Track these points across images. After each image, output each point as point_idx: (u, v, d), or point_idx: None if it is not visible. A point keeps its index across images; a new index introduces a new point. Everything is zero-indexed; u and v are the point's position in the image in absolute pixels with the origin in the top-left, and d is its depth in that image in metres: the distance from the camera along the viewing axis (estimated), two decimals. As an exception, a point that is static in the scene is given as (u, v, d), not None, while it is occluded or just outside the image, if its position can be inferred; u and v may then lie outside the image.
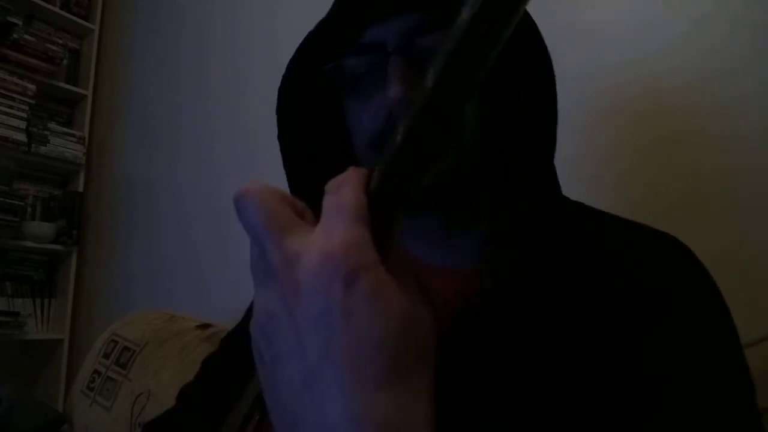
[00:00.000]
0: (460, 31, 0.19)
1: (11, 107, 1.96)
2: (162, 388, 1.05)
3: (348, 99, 0.48)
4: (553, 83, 0.47)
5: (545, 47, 0.47)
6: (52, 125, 2.09)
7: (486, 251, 0.46)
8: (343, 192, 0.24)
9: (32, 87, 2.01)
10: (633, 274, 0.41)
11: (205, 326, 1.15)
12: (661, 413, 0.36)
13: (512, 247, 0.45)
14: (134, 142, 2.06)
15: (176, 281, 1.75)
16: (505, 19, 0.19)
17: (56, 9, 2.15)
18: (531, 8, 0.45)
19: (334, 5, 0.48)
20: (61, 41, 2.13)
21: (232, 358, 0.66)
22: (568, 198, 0.50)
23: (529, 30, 0.47)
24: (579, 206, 0.49)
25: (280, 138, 0.54)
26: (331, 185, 0.25)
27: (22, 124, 1.98)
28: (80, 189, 2.14)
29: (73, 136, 2.13)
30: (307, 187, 0.54)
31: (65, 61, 2.16)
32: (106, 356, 1.22)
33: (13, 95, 1.97)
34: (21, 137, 1.97)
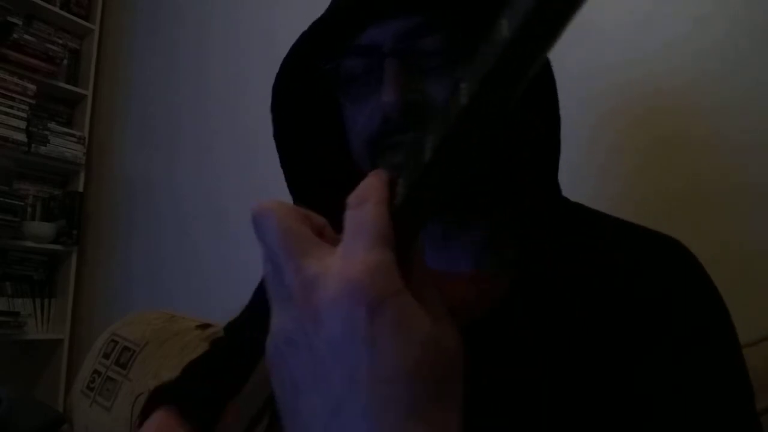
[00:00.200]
0: (499, 49, 0.19)
1: (11, 107, 1.96)
2: (162, 388, 1.05)
3: (344, 99, 0.48)
4: (553, 86, 0.47)
5: None
6: (52, 125, 2.09)
7: (486, 253, 0.46)
8: (365, 210, 0.23)
9: (32, 87, 2.01)
10: (634, 275, 0.41)
11: (205, 326, 1.15)
12: (660, 417, 0.36)
13: (512, 248, 0.45)
14: (134, 142, 2.06)
15: (176, 281, 1.75)
16: (548, 39, 0.18)
17: (56, 9, 2.15)
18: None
19: (331, 4, 0.48)
20: (61, 41, 2.13)
21: (235, 349, 0.66)
22: (568, 199, 0.50)
23: None
24: (579, 208, 0.49)
25: (276, 136, 0.53)
26: (353, 199, 0.24)
27: (22, 124, 1.98)
28: (80, 189, 2.14)
29: (73, 136, 2.13)
30: (306, 185, 0.54)
31: (65, 61, 2.16)
32: (106, 356, 1.22)
33: (13, 95, 1.97)
34: (21, 137, 1.97)
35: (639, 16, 0.91)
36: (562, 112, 0.48)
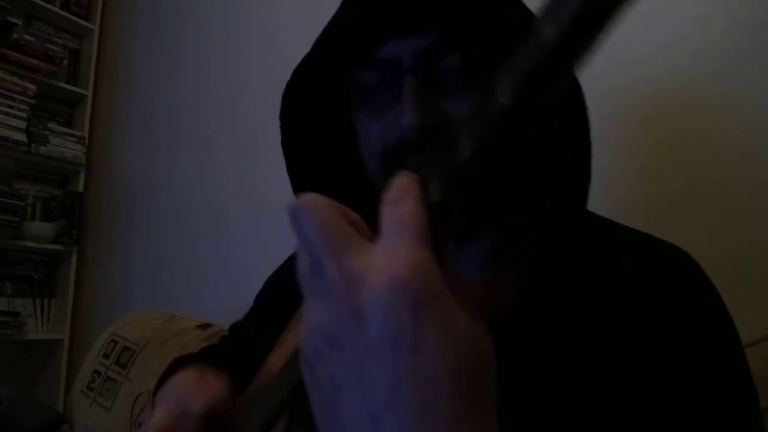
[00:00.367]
0: (542, 52, 0.19)
1: (11, 107, 1.96)
2: (162, 388, 1.05)
3: (358, 108, 0.47)
4: (581, 100, 0.46)
5: None
6: (52, 125, 2.08)
7: (497, 258, 0.46)
8: (404, 207, 0.23)
9: (32, 87, 2.01)
10: (640, 283, 0.41)
11: (205, 326, 1.15)
12: (665, 421, 0.36)
13: (524, 254, 0.45)
14: (134, 142, 2.06)
15: (176, 281, 1.75)
16: (593, 40, 0.19)
17: (56, 9, 2.15)
18: (530, 9, 0.45)
19: (343, 13, 0.47)
20: (61, 41, 2.13)
21: (239, 347, 0.66)
22: (589, 211, 0.49)
23: None
24: (589, 215, 0.49)
25: (284, 143, 0.53)
26: (389, 197, 0.24)
27: (22, 124, 1.98)
28: (80, 189, 2.14)
29: (73, 136, 2.13)
30: (313, 191, 0.54)
31: (65, 61, 2.16)
32: (106, 356, 1.22)
33: (13, 95, 1.97)
34: (21, 137, 1.97)
35: (638, 16, 0.91)
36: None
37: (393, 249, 0.22)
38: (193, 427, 0.43)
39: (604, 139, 0.92)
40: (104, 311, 1.98)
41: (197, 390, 0.45)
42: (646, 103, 0.88)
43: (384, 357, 0.21)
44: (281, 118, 0.52)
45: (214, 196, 1.68)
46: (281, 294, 0.63)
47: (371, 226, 0.25)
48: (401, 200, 0.23)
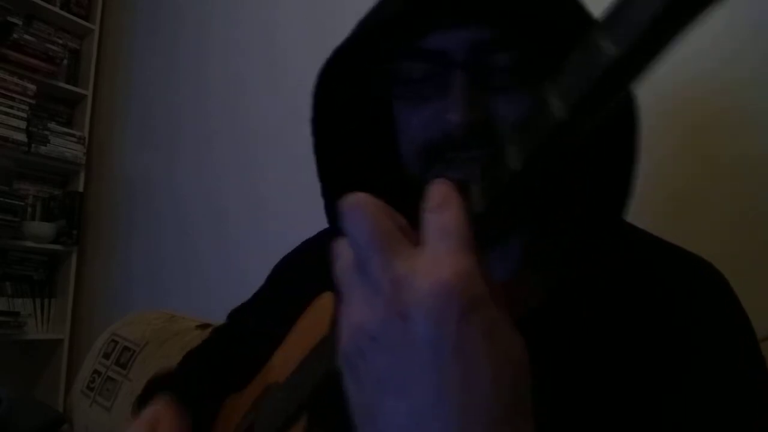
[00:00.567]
0: (601, 69, 0.18)
1: (11, 107, 1.96)
2: (162, 388, 1.05)
3: (399, 99, 0.46)
4: (633, 112, 0.42)
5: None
6: (52, 125, 2.08)
7: (526, 262, 0.46)
8: (447, 214, 0.23)
9: (32, 87, 2.01)
10: (667, 293, 0.41)
11: (205, 326, 1.15)
12: (683, 426, 0.36)
13: (554, 258, 0.45)
14: (134, 142, 2.06)
15: (176, 281, 1.75)
16: (653, 59, 0.18)
17: (56, 9, 2.15)
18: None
19: (386, 4, 0.45)
20: (61, 41, 2.13)
21: (237, 338, 0.66)
22: (626, 222, 0.47)
23: None
24: (623, 224, 0.48)
25: (315, 132, 0.51)
26: (432, 203, 0.24)
27: (22, 124, 1.98)
28: (80, 189, 2.14)
29: (73, 136, 2.13)
30: (345, 182, 0.52)
31: (65, 61, 2.16)
32: (107, 356, 1.22)
33: (13, 95, 1.97)
34: (21, 137, 1.97)
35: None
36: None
37: (439, 254, 0.22)
38: None
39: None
40: (104, 311, 1.98)
41: None
42: (646, 103, 0.88)
43: (429, 360, 0.21)
44: (314, 107, 0.50)
45: (214, 196, 1.68)
46: (288, 284, 0.62)
47: (408, 218, 0.25)
48: (444, 207, 0.23)
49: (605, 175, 0.44)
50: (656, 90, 0.88)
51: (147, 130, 2.00)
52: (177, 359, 1.09)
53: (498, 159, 0.23)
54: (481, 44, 0.40)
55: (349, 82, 0.49)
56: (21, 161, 2.06)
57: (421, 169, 0.44)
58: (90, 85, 2.21)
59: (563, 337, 0.40)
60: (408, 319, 0.22)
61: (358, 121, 0.52)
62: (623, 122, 0.42)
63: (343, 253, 0.25)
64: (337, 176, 0.51)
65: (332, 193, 0.51)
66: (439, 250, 0.22)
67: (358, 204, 0.24)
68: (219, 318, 1.17)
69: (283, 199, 1.46)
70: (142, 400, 0.57)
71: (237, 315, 0.69)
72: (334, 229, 0.54)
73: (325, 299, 0.49)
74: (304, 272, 0.59)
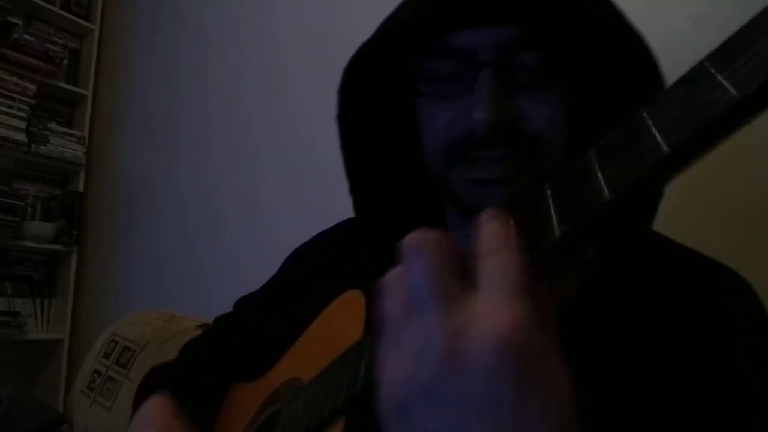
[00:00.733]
0: (720, 106, 0.18)
1: (11, 107, 1.96)
2: (162, 388, 1.05)
3: (422, 98, 0.46)
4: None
5: (660, 77, 0.44)
6: (52, 125, 2.09)
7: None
8: (504, 258, 0.23)
9: (32, 87, 2.01)
10: (692, 300, 0.41)
11: (205, 326, 1.15)
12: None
13: (574, 263, 0.45)
14: (134, 142, 2.06)
15: (176, 281, 1.75)
16: (702, 156, 0.18)
17: (56, 9, 2.15)
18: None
19: (412, 5, 0.45)
20: (61, 41, 2.13)
21: (240, 329, 0.65)
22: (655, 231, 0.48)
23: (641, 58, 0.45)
24: (651, 233, 0.48)
25: (342, 132, 0.51)
26: (485, 246, 0.23)
27: (22, 124, 1.98)
28: (80, 189, 2.14)
29: (73, 136, 2.13)
30: (373, 194, 0.52)
31: (65, 61, 2.16)
32: (107, 356, 1.22)
33: (13, 95, 1.97)
34: (21, 137, 1.97)
35: (637, 15, 0.91)
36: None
37: (495, 305, 0.22)
38: None
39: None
40: (104, 311, 1.98)
41: None
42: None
43: (486, 414, 0.21)
44: (339, 104, 0.50)
45: (213, 196, 1.68)
46: (297, 280, 0.62)
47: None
48: (498, 250, 0.23)
49: None
50: (656, 90, 0.88)
51: (147, 130, 2.00)
52: (177, 359, 1.10)
53: (580, 185, 0.22)
54: (508, 43, 0.40)
55: (374, 80, 0.49)
56: (21, 161, 2.06)
57: (444, 167, 0.44)
58: (90, 85, 2.21)
59: (585, 344, 0.40)
60: (464, 372, 0.21)
61: (382, 118, 0.52)
62: None
63: (393, 290, 0.25)
64: (363, 173, 0.52)
65: (359, 190, 0.51)
66: (496, 299, 0.22)
67: (422, 244, 0.24)
68: (219, 318, 1.18)
69: (283, 200, 1.46)
70: (138, 397, 0.56)
71: (243, 306, 0.68)
72: (356, 222, 0.55)
73: (355, 297, 0.48)
74: (316, 268, 0.59)
